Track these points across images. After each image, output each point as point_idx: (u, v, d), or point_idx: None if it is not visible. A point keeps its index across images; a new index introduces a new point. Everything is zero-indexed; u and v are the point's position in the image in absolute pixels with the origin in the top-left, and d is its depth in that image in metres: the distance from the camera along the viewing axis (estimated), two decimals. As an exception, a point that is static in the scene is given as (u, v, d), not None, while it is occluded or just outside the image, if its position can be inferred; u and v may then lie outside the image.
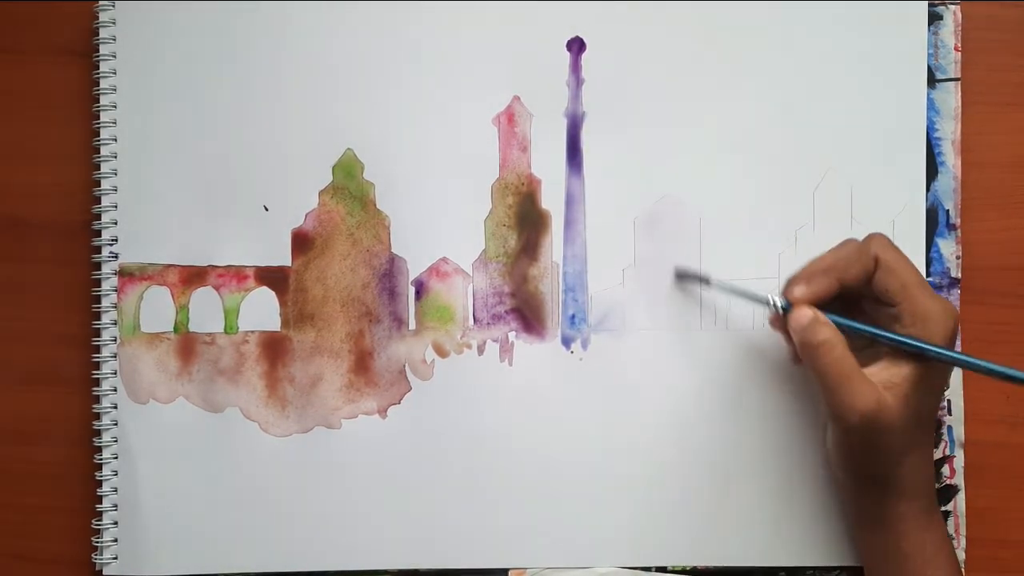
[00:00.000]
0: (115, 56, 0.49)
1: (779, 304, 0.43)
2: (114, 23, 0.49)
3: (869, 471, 0.43)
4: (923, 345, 0.41)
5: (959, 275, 0.48)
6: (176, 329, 0.49)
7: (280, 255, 0.49)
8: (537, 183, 0.49)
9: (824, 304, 0.42)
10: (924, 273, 0.48)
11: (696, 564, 0.48)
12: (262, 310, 0.49)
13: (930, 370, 0.41)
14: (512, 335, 0.48)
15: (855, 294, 0.43)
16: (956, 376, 0.48)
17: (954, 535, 0.48)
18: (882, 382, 0.41)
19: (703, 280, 0.47)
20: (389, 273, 0.49)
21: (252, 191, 0.49)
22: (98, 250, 0.49)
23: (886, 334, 0.42)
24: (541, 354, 0.48)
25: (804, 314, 0.42)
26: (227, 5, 0.49)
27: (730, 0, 0.48)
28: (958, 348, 0.48)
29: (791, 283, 0.43)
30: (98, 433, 0.48)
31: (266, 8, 0.49)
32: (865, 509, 0.44)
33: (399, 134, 0.49)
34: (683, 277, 0.48)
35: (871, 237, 0.43)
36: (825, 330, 0.41)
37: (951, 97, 0.48)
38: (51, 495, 0.50)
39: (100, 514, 0.48)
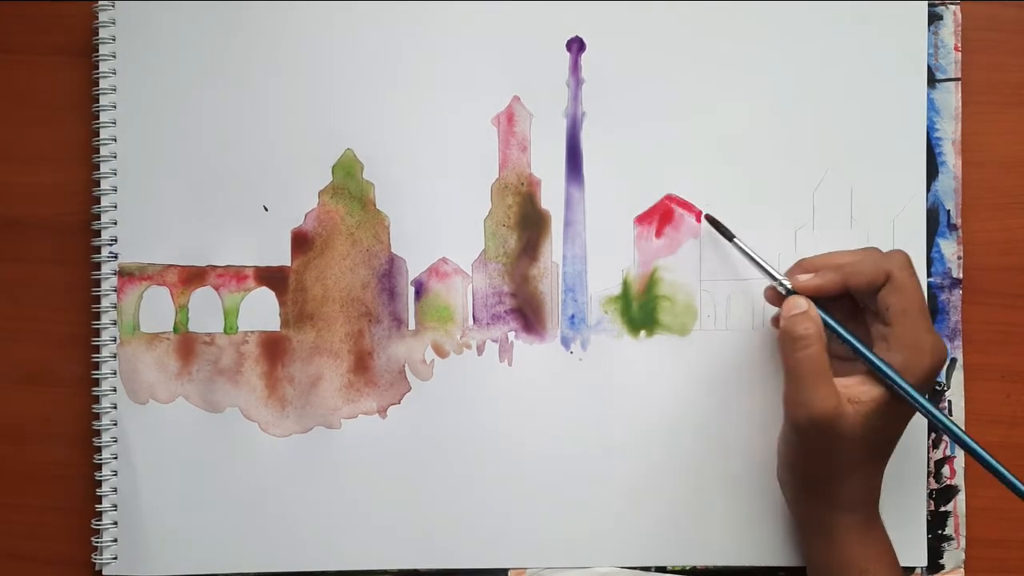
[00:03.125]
0: (115, 56, 0.49)
1: (785, 285, 0.43)
2: (114, 23, 0.49)
3: (812, 476, 0.43)
4: (896, 379, 0.40)
5: (960, 275, 0.48)
6: (176, 329, 0.49)
7: (280, 255, 0.49)
8: (537, 183, 0.49)
9: (828, 299, 0.42)
10: (926, 273, 0.48)
11: (696, 564, 0.48)
12: (262, 310, 0.49)
13: (900, 400, 0.41)
14: (512, 335, 0.48)
15: (860, 301, 0.43)
16: (957, 376, 0.48)
17: (954, 535, 0.48)
18: (849, 395, 0.41)
19: (728, 235, 0.46)
20: (389, 273, 0.49)
21: (252, 191, 0.49)
22: (98, 250, 0.49)
23: (867, 354, 0.41)
24: (541, 354, 0.48)
25: (798, 304, 0.42)
26: (227, 5, 0.49)
27: (730, 0, 0.48)
28: (960, 365, 0.48)
29: (799, 266, 0.44)
30: (98, 433, 0.48)
31: (266, 8, 0.49)
32: (805, 515, 0.44)
33: (399, 134, 0.49)
34: (713, 224, 0.47)
35: (892, 252, 0.42)
36: (809, 325, 0.41)
37: (951, 97, 0.48)
38: (51, 495, 0.50)
39: (100, 514, 0.48)
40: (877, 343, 0.42)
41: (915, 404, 0.41)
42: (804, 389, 0.40)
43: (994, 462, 0.40)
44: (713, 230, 0.47)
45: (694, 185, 0.48)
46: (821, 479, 0.42)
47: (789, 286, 0.43)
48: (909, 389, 0.40)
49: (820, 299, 0.43)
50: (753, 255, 0.45)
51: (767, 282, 0.45)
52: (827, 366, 0.41)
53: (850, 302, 0.44)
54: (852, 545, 0.42)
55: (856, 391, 0.41)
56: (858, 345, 0.42)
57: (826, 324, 0.42)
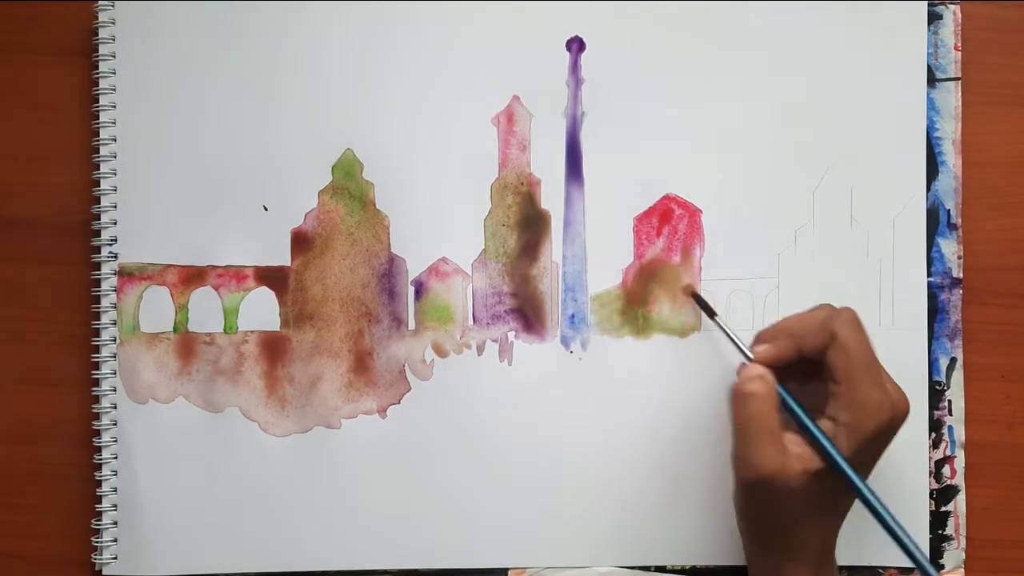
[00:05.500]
0: (115, 56, 0.49)
1: (749, 357, 0.44)
2: (114, 23, 0.49)
3: (762, 528, 0.43)
4: (829, 449, 0.40)
5: (960, 275, 0.48)
6: (175, 329, 0.49)
7: (280, 255, 0.49)
8: (536, 183, 0.49)
9: (789, 364, 0.43)
10: (926, 273, 0.48)
11: (696, 564, 0.48)
12: (262, 310, 0.49)
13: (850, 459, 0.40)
14: (511, 335, 0.48)
15: (816, 360, 0.43)
16: (958, 376, 0.48)
17: (954, 535, 0.48)
18: (799, 454, 0.41)
19: (711, 312, 0.47)
20: (389, 273, 0.49)
21: (252, 191, 0.49)
22: (98, 250, 0.49)
23: (807, 423, 0.41)
24: (540, 354, 0.48)
25: (752, 368, 0.42)
26: (227, 5, 0.49)
27: (730, 0, 0.48)
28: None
29: (759, 338, 0.44)
30: (98, 433, 0.48)
31: (266, 8, 0.49)
32: (758, 561, 0.44)
33: (399, 134, 0.49)
34: (696, 300, 0.48)
35: (839, 311, 0.42)
36: (760, 385, 0.41)
37: (951, 97, 0.48)
38: (51, 495, 0.50)
39: (100, 514, 0.48)
40: (830, 401, 0.41)
41: (841, 471, 0.40)
42: (750, 447, 0.41)
43: (907, 540, 0.40)
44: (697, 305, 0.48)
45: (694, 185, 0.48)
46: (771, 531, 0.42)
47: (751, 357, 0.43)
48: (838, 459, 0.40)
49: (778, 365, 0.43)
50: (730, 335, 0.45)
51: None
52: (775, 425, 0.41)
53: (809, 362, 0.43)
54: None
55: (811, 459, 0.41)
56: (804, 416, 0.42)
57: (780, 395, 0.42)
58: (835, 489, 0.41)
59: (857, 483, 0.40)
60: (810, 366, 0.42)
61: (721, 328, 0.46)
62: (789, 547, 0.42)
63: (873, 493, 0.40)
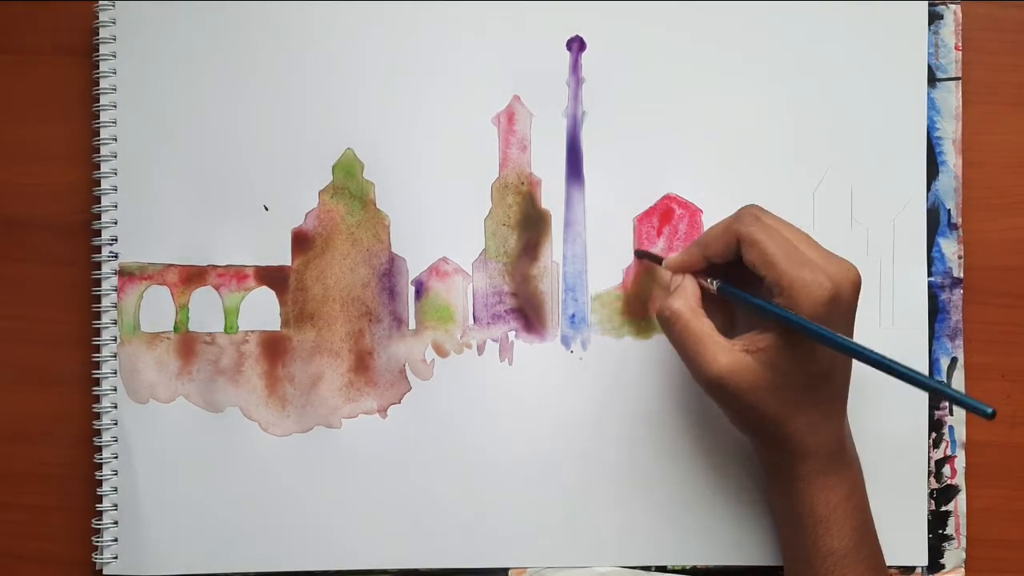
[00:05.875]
0: (115, 56, 0.49)
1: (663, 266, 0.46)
2: (114, 23, 0.49)
3: (756, 430, 0.43)
4: (780, 312, 0.40)
5: (961, 275, 0.48)
6: (176, 329, 0.49)
7: (280, 255, 0.49)
8: (537, 183, 0.49)
9: (736, 275, 0.43)
10: (926, 272, 0.48)
11: (696, 564, 0.48)
12: (262, 310, 0.49)
13: (793, 336, 0.40)
14: (512, 335, 0.48)
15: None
16: (958, 378, 0.48)
17: (954, 535, 0.48)
18: (748, 346, 0.41)
19: (658, 260, 0.47)
20: (389, 273, 0.49)
21: (252, 191, 0.49)
22: (98, 250, 0.49)
23: (754, 301, 0.41)
24: (541, 354, 0.48)
25: (673, 280, 0.45)
26: (227, 5, 0.49)
27: (730, 0, 0.48)
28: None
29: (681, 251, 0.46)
30: (98, 433, 0.48)
31: (266, 8, 0.49)
32: (767, 460, 0.44)
33: (399, 134, 0.49)
34: (643, 256, 0.48)
35: (738, 214, 0.43)
36: (676, 306, 0.43)
37: (952, 96, 0.48)
38: (51, 495, 0.50)
39: (100, 514, 0.48)
40: (767, 296, 0.41)
41: (802, 328, 0.39)
42: (689, 359, 0.42)
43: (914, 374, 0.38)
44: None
45: (694, 185, 0.48)
46: (767, 431, 0.42)
47: (662, 264, 0.46)
48: (792, 317, 0.39)
49: (727, 272, 0.44)
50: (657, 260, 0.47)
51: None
52: (704, 331, 0.42)
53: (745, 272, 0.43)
54: (811, 493, 0.42)
55: (753, 340, 0.41)
56: (749, 298, 0.42)
57: (726, 292, 0.43)
58: (802, 369, 0.41)
59: (811, 327, 0.39)
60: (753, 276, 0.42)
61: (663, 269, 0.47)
62: (793, 444, 0.42)
63: (827, 330, 0.39)
